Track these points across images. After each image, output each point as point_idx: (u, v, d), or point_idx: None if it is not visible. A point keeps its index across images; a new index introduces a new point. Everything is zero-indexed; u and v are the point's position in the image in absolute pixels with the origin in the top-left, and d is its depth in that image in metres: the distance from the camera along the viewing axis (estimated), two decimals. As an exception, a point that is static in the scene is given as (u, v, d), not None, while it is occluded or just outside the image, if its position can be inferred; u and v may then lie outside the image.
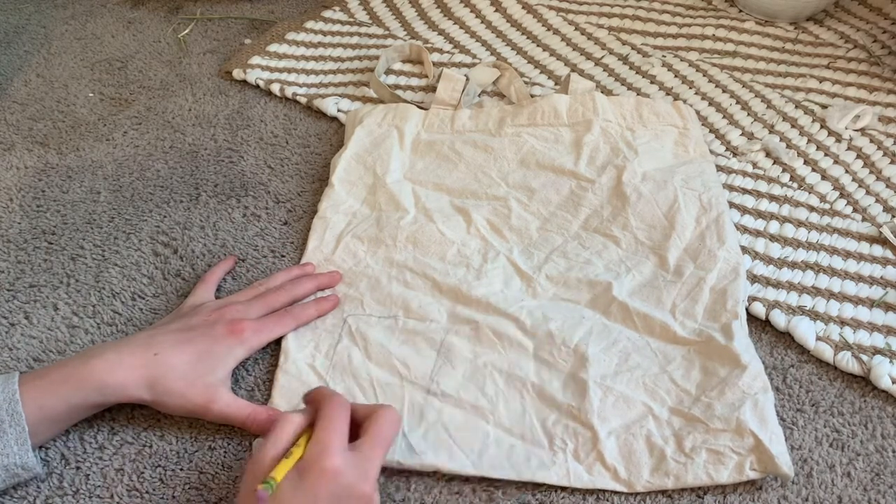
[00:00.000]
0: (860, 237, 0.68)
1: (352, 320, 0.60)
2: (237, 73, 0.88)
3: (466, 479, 0.53)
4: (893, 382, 0.57)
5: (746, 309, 0.62)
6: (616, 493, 0.52)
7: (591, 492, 0.52)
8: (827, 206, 0.71)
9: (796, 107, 0.82)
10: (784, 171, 0.75)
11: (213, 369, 0.53)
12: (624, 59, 0.90)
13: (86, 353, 0.52)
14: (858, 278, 0.65)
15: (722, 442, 0.52)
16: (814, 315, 0.62)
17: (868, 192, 0.73)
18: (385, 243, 0.66)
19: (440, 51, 0.91)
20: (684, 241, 0.65)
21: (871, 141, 0.78)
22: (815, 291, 0.64)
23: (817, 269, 0.66)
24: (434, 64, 0.88)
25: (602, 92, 0.84)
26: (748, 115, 0.82)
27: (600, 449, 0.52)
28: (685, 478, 0.51)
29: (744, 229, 0.69)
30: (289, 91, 0.85)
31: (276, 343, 0.61)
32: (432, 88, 0.83)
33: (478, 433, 0.54)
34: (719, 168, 0.75)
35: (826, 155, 0.76)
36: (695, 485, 0.51)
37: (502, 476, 0.52)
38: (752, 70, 0.88)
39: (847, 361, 0.59)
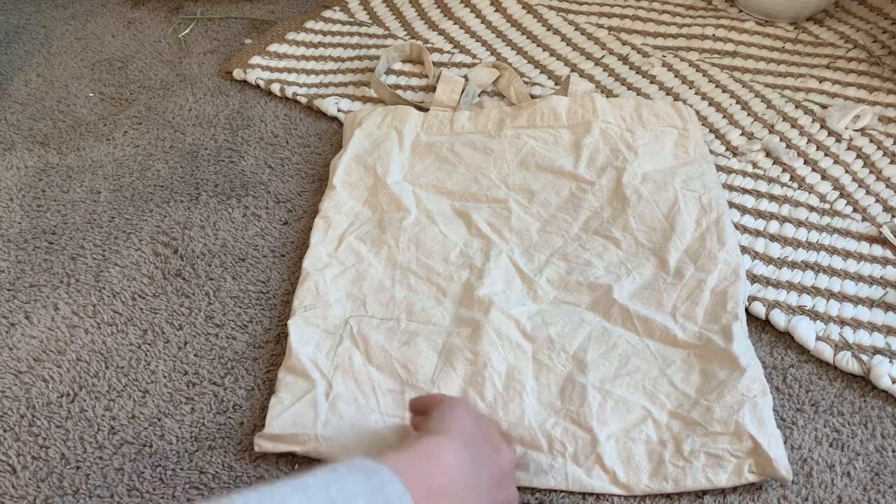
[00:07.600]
0: (860, 237, 0.68)
1: (353, 322, 0.60)
2: (237, 73, 0.88)
3: (466, 479, 0.53)
4: (893, 382, 0.58)
5: (746, 309, 0.62)
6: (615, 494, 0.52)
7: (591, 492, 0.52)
8: (827, 206, 0.71)
9: (796, 107, 0.82)
10: (784, 171, 0.75)
11: None
12: (624, 59, 0.90)
13: None
14: (858, 278, 0.65)
15: (720, 445, 0.52)
16: (814, 315, 0.62)
17: (868, 192, 0.73)
18: (388, 244, 0.66)
19: (440, 51, 0.91)
20: (684, 242, 0.65)
21: (871, 141, 0.78)
22: (815, 291, 0.64)
23: (817, 268, 0.66)
24: (434, 64, 0.88)
25: (602, 92, 0.84)
26: (748, 115, 0.82)
27: (599, 452, 0.52)
28: (684, 482, 0.51)
29: (744, 229, 0.69)
30: (289, 91, 0.85)
31: (276, 342, 0.61)
32: (433, 88, 0.83)
33: None
34: (719, 168, 0.75)
35: (826, 155, 0.76)
36: (694, 489, 0.51)
37: None
38: (752, 70, 0.88)
39: (847, 361, 0.59)
